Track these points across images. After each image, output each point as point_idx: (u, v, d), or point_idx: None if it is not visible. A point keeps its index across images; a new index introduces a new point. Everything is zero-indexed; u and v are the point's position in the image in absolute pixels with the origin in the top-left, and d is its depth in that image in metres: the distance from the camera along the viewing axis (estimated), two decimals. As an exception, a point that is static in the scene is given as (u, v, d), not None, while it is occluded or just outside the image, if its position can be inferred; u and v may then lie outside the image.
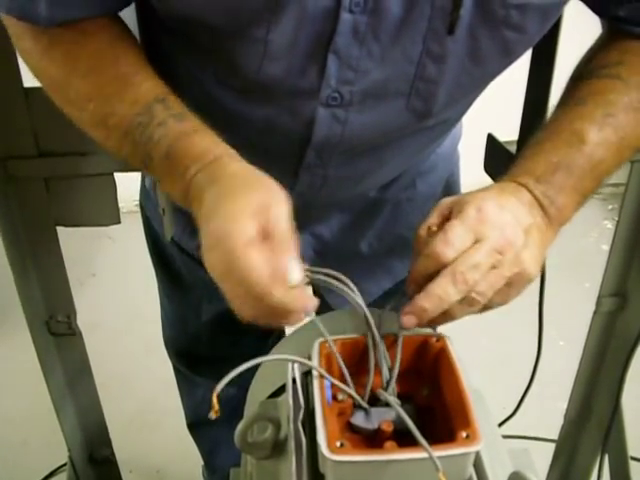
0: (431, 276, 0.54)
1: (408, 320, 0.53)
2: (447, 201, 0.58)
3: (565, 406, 1.20)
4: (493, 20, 0.58)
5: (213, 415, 0.48)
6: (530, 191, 0.59)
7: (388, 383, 0.54)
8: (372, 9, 0.56)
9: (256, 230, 0.49)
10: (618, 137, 0.62)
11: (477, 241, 0.53)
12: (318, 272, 0.55)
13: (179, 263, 0.98)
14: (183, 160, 0.56)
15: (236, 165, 0.55)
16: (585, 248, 2.28)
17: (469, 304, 0.54)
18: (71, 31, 0.60)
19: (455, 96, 0.66)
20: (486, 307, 0.56)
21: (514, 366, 1.25)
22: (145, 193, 0.96)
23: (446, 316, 0.54)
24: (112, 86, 0.60)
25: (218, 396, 0.48)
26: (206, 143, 0.57)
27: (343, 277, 0.56)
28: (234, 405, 0.77)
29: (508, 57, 0.63)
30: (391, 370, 0.55)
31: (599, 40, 0.70)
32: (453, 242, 0.53)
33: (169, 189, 0.58)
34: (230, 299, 0.51)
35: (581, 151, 0.61)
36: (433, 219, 0.57)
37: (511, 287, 0.55)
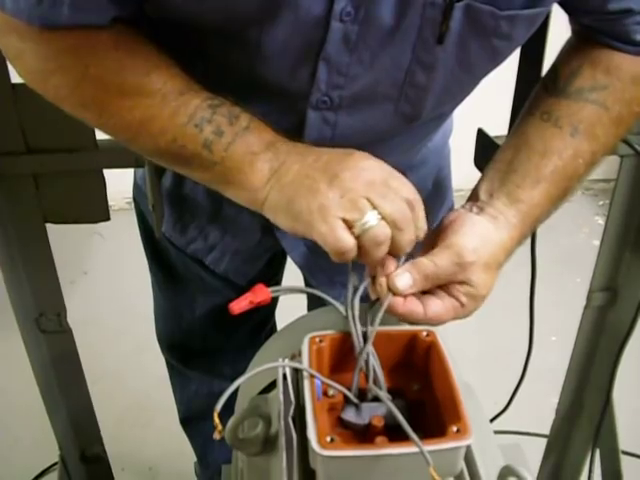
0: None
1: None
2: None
3: (557, 401, 1.21)
4: (483, 31, 0.58)
5: (217, 436, 0.50)
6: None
7: (376, 378, 0.54)
8: (363, 19, 0.56)
9: None
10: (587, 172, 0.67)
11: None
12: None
13: (173, 257, 0.98)
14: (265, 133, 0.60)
15: None
16: (576, 244, 2.29)
17: None
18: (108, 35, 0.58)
19: (443, 100, 0.67)
20: None
21: (506, 362, 1.26)
22: (137, 188, 0.96)
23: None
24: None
25: (217, 409, 0.49)
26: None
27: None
28: (227, 400, 0.78)
29: (495, 62, 0.64)
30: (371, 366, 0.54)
31: (570, 44, 0.70)
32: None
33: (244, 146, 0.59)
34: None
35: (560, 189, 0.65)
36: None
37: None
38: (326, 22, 0.56)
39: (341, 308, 0.57)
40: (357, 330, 0.55)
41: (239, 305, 0.56)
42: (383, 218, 0.54)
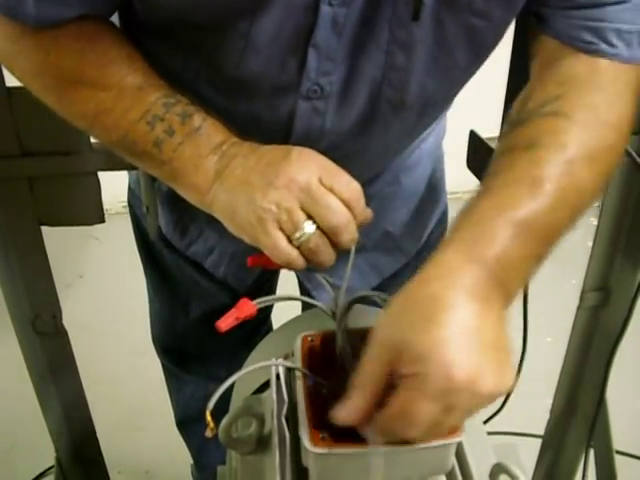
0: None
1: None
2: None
3: (551, 401, 1.21)
4: (457, 6, 0.58)
5: (209, 434, 0.51)
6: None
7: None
8: (349, 0, 0.56)
9: None
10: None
11: None
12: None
13: (168, 261, 0.98)
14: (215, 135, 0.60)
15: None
16: (571, 245, 2.27)
17: None
18: (71, 31, 0.60)
19: (427, 86, 0.66)
20: None
21: (501, 362, 1.26)
22: (132, 192, 0.96)
23: None
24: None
25: (210, 407, 0.51)
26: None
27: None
28: (222, 401, 0.78)
29: (476, 46, 0.63)
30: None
31: (529, 86, 0.65)
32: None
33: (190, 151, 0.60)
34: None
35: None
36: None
37: None
38: (315, 7, 0.56)
39: (327, 310, 0.57)
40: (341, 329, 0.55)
41: (225, 322, 0.57)
42: (318, 227, 0.55)
